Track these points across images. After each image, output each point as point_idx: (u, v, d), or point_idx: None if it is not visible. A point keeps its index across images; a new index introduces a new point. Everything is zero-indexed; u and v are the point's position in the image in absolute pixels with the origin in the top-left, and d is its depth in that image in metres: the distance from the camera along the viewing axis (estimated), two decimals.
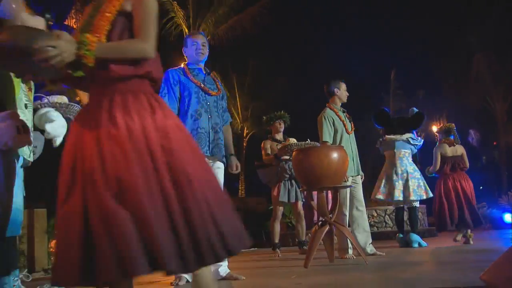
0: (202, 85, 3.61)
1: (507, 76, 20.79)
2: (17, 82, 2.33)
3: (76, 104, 2.91)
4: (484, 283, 1.93)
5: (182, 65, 3.74)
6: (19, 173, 2.42)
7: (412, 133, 6.43)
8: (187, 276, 3.41)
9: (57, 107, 2.75)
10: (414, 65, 23.57)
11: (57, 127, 2.65)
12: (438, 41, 24.16)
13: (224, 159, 3.66)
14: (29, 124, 2.38)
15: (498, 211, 14.26)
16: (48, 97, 2.87)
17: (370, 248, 5.01)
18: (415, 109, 6.64)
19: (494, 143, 23.10)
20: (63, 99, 2.86)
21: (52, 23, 2.56)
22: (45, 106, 2.66)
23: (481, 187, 20.89)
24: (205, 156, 3.42)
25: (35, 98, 2.67)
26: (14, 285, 2.40)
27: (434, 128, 17.61)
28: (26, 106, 2.37)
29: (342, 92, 5.27)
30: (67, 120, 2.88)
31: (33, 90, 2.48)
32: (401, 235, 6.37)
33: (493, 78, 20.97)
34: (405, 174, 6.22)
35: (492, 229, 13.10)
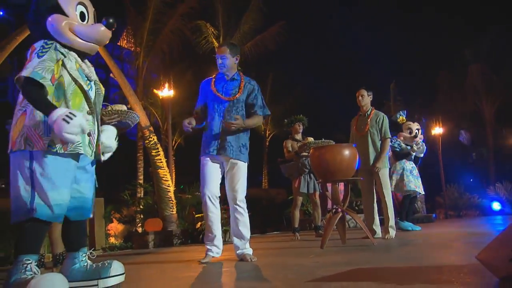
0: (217, 92, 3.53)
1: (498, 85, 20.53)
2: (77, 93, 2.32)
3: (134, 112, 2.95)
4: (480, 262, 1.89)
5: (213, 75, 3.68)
6: (90, 170, 2.45)
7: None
8: (213, 254, 3.44)
9: (119, 113, 2.78)
10: (414, 74, 23.21)
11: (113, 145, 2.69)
12: (436, 53, 23.77)
13: (242, 158, 3.48)
14: (93, 128, 2.38)
15: (487, 200, 14.02)
16: (111, 105, 2.91)
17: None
18: (398, 115, 6.54)
19: (483, 142, 22.76)
20: (123, 107, 2.91)
21: (114, 29, 2.48)
22: (108, 114, 2.70)
23: (471, 180, 20.54)
24: (210, 156, 3.43)
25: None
26: (82, 260, 2.45)
27: (433, 131, 17.37)
28: (89, 113, 2.37)
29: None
30: (126, 125, 2.91)
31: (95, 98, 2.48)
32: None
33: (485, 87, 20.71)
34: (401, 170, 6.25)
35: (482, 216, 12.87)
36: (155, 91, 13.33)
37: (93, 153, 2.39)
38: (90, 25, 2.40)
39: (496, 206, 13.34)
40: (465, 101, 20.97)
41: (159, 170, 8.45)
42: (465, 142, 21.58)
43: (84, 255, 2.46)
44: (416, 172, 6.39)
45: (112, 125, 2.72)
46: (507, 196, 13.50)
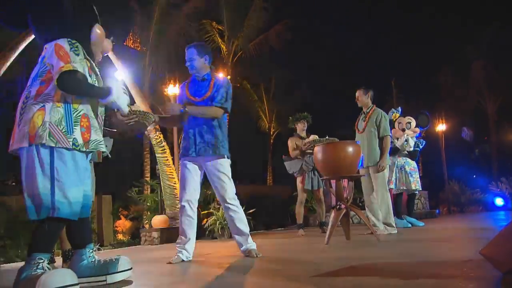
0: (190, 95, 3.49)
1: (500, 81, 20.42)
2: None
3: (151, 113, 2.99)
4: (484, 257, 1.88)
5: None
6: (90, 168, 2.51)
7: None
8: (182, 257, 3.39)
9: (137, 114, 2.81)
10: (416, 70, 23.06)
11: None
12: (439, 50, 23.62)
13: (221, 154, 3.41)
14: (101, 130, 2.46)
15: (490, 196, 13.95)
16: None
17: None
18: (391, 112, 6.52)
19: (485, 138, 22.66)
20: (139, 107, 2.97)
21: (114, 43, 2.68)
22: (127, 115, 2.74)
23: (474, 176, 20.45)
24: (189, 157, 3.39)
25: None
26: (89, 256, 2.46)
27: (437, 128, 17.29)
28: (100, 113, 2.49)
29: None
30: (143, 125, 2.94)
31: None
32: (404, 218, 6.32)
33: (487, 83, 20.60)
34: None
35: (485, 211, 12.81)
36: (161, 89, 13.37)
37: (106, 151, 2.49)
38: (105, 39, 2.59)
39: (499, 201, 13.27)
40: (467, 97, 20.88)
41: (165, 168, 8.46)
42: (467, 139, 21.51)
43: (91, 251, 2.47)
44: (409, 167, 6.32)
45: (130, 125, 2.77)
46: (510, 191, 13.43)
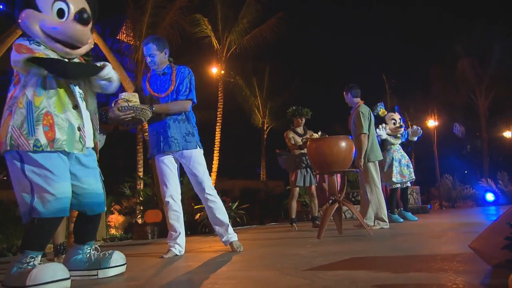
0: (153, 92, 3.40)
1: (489, 77, 20.61)
2: (62, 87, 2.26)
3: (147, 108, 2.93)
4: (473, 250, 1.90)
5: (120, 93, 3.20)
6: (90, 164, 2.41)
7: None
8: (175, 251, 3.38)
9: (134, 109, 2.77)
10: (408, 67, 23.17)
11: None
12: (428, 47, 23.74)
13: (190, 146, 3.35)
14: (81, 122, 2.30)
15: (480, 191, 14.08)
16: (125, 95, 2.89)
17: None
18: (378, 108, 6.52)
19: (477, 134, 22.84)
20: (135, 96, 2.92)
21: (90, 24, 2.37)
22: (123, 110, 2.70)
23: (465, 171, 20.64)
24: (161, 153, 3.32)
25: (112, 98, 2.67)
26: (85, 252, 2.45)
27: (428, 123, 17.40)
28: (75, 107, 2.29)
29: None
30: (140, 121, 2.90)
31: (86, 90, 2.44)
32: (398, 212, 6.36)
33: (476, 79, 20.77)
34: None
35: (475, 206, 12.94)
36: None
37: (84, 148, 2.31)
38: (62, 22, 2.25)
39: (489, 197, 13.40)
40: (458, 94, 21.04)
41: None
42: (459, 134, 21.67)
43: (89, 248, 2.46)
44: (405, 160, 6.35)
45: (127, 120, 2.73)
46: (501, 187, 13.57)
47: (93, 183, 2.41)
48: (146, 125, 8.58)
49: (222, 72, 14.78)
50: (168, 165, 3.39)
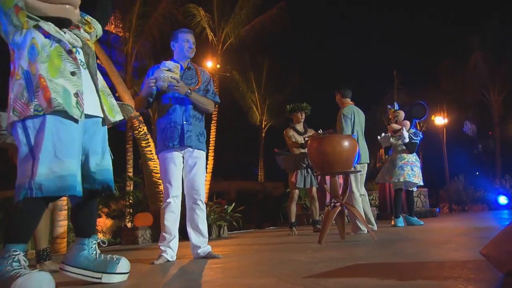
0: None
1: (503, 72, 20.57)
2: (56, 54, 2.29)
3: (129, 105, 2.95)
4: (484, 257, 1.90)
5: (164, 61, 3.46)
6: (100, 135, 2.46)
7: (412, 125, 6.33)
8: (167, 256, 3.39)
9: None
10: (417, 61, 23.19)
11: None
12: (439, 40, 23.78)
13: (201, 147, 3.48)
14: (80, 88, 2.31)
15: (493, 194, 14.11)
16: (166, 62, 2.95)
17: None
18: (389, 108, 6.54)
19: (489, 132, 22.85)
20: (178, 68, 2.99)
21: None
22: None
23: (477, 173, 20.67)
24: (174, 148, 3.37)
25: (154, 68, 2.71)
26: (91, 247, 2.43)
27: (436, 120, 17.42)
28: (73, 74, 2.31)
29: None
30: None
31: (87, 55, 2.45)
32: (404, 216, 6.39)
33: (490, 74, 20.74)
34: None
35: (488, 210, 12.96)
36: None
37: (82, 115, 2.29)
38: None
39: (502, 200, 13.43)
40: (470, 90, 21.00)
41: (149, 162, 8.43)
42: (470, 133, 21.68)
43: (94, 242, 2.44)
44: (402, 161, 6.30)
45: None
46: None
47: (106, 158, 2.45)
48: (134, 121, 8.59)
49: (218, 66, 14.77)
50: (176, 163, 3.42)
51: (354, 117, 5.25)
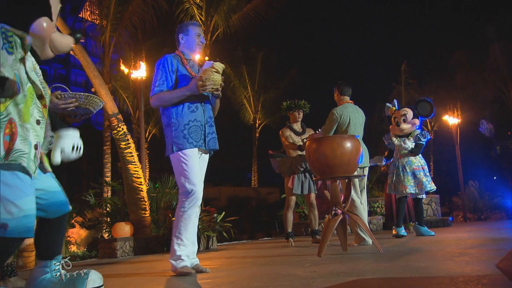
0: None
1: None
2: (30, 96, 2.25)
3: (96, 96, 2.90)
4: (501, 271, 1.91)
5: (177, 53, 3.64)
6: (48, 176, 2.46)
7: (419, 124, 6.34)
8: (187, 263, 3.40)
9: (77, 98, 2.74)
10: (427, 54, 23.31)
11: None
12: (452, 30, 23.91)
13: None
14: (40, 140, 2.31)
15: None
16: (211, 62, 3.13)
17: None
18: (387, 107, 6.56)
19: (509, 133, 22.98)
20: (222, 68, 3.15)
21: (83, 40, 2.60)
22: (63, 98, 2.66)
23: (494, 177, 20.78)
24: (199, 149, 3.46)
25: (53, 90, 2.66)
26: (54, 270, 2.42)
27: (448, 119, 17.48)
28: (38, 122, 2.29)
29: None
30: (88, 111, 2.87)
31: (47, 107, 2.45)
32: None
33: (509, 68, 20.79)
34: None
35: (506, 219, 13.03)
36: (124, 71, 13.21)
37: (36, 171, 2.27)
38: (65, 36, 2.41)
39: None
40: (487, 85, 21.06)
41: (129, 165, 8.40)
42: (486, 133, 21.79)
43: (58, 264, 2.43)
44: (412, 167, 6.30)
45: (70, 111, 2.68)
46: None
47: (51, 181, 2.44)
48: (113, 120, 8.57)
49: (206, 59, 14.75)
50: (201, 163, 3.54)
51: (350, 118, 5.27)
